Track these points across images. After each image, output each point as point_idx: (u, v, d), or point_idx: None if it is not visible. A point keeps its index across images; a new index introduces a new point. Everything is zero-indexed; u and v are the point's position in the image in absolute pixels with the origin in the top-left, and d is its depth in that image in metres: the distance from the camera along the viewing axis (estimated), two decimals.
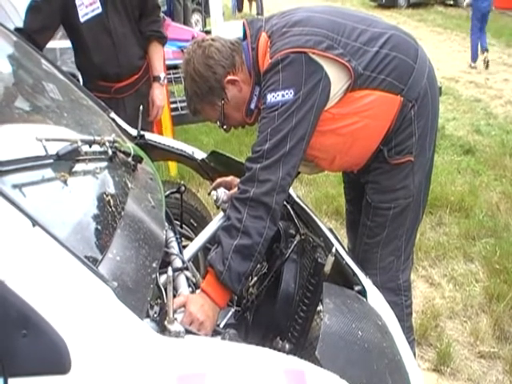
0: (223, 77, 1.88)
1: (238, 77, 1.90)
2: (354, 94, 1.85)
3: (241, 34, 1.98)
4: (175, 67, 4.96)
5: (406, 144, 1.96)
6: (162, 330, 1.32)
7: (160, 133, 4.10)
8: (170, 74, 4.74)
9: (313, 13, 1.93)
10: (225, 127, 2.03)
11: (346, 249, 2.15)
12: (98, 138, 1.71)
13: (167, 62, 4.25)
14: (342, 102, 1.85)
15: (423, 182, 2.08)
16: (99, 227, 1.47)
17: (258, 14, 15.73)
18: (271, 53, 1.81)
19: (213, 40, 1.92)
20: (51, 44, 3.17)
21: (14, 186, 1.31)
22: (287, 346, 1.58)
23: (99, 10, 3.01)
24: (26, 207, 1.18)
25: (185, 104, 2.07)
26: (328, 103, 1.83)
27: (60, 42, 4.43)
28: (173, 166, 4.57)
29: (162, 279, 1.64)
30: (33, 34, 2.88)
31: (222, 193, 2.00)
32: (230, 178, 2.10)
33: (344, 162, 2.05)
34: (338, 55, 1.80)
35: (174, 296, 1.59)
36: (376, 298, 1.81)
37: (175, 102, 4.96)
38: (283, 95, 1.74)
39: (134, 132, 2.42)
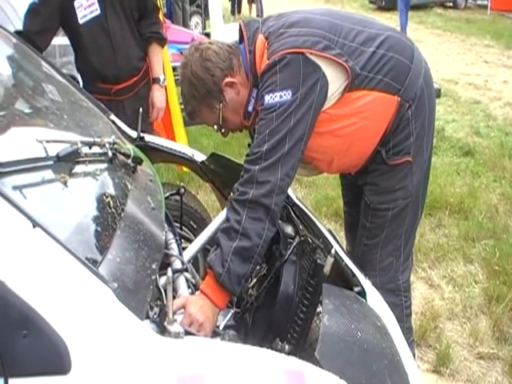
0: (221, 79, 1.88)
1: (236, 79, 1.90)
2: (352, 95, 1.86)
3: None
4: (174, 69, 4.96)
5: (403, 144, 1.97)
6: (162, 330, 1.32)
7: (171, 138, 4.02)
8: None
9: (310, 14, 1.94)
10: (223, 131, 2.02)
11: (345, 250, 2.15)
12: (97, 140, 1.71)
13: None
14: (339, 102, 1.86)
15: (421, 182, 2.09)
16: (99, 228, 1.47)
17: (257, 16, 15.76)
18: (268, 54, 1.81)
19: (210, 43, 1.93)
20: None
21: (15, 188, 1.31)
22: (287, 346, 1.58)
23: (98, 12, 3.02)
24: (27, 208, 1.18)
25: None
26: (326, 104, 1.83)
27: (59, 39, 4.41)
28: None
29: (162, 280, 1.64)
30: (32, 37, 2.88)
31: None
32: None
33: (342, 164, 2.06)
34: (335, 55, 1.80)
35: (174, 297, 1.59)
36: (375, 299, 1.82)
37: None
38: (281, 96, 1.75)
39: (133, 134, 2.43)
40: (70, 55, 3.97)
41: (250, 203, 1.68)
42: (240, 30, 1.95)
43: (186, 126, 4.68)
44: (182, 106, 4.68)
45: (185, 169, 4.38)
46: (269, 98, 1.76)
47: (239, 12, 17.34)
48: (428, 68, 2.04)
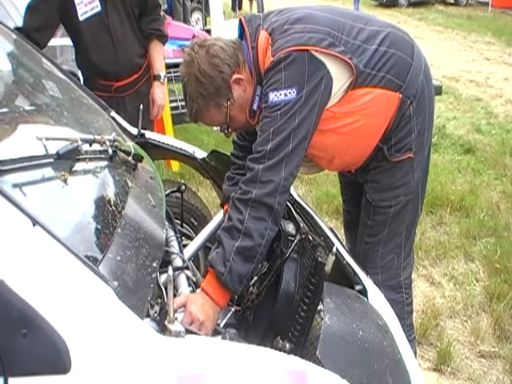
0: (229, 76, 1.83)
1: (243, 76, 1.86)
2: (355, 92, 1.85)
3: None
4: (176, 66, 4.95)
5: (405, 141, 1.96)
6: (163, 329, 1.32)
7: (161, 132, 4.07)
8: (170, 72, 4.73)
9: (312, 10, 1.92)
10: (228, 130, 1.97)
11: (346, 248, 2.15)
12: (98, 137, 1.71)
13: (168, 61, 4.23)
14: (343, 100, 1.85)
15: (422, 178, 2.09)
16: (99, 226, 1.47)
17: (258, 12, 15.69)
18: (273, 50, 1.79)
19: (215, 39, 1.88)
20: (51, 42, 3.16)
21: (15, 186, 1.31)
22: (288, 345, 1.58)
23: (98, 9, 3.00)
24: (27, 206, 1.18)
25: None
26: (329, 101, 1.82)
27: (60, 40, 4.43)
28: (175, 162, 4.46)
29: (163, 278, 1.64)
30: (32, 33, 2.87)
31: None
32: None
33: (343, 162, 2.05)
34: (340, 52, 1.79)
35: (175, 295, 1.58)
36: (376, 298, 1.81)
37: (176, 101, 4.94)
38: (286, 94, 1.73)
39: (134, 131, 2.42)
40: (69, 54, 3.98)
41: (253, 202, 1.67)
42: (241, 26, 1.92)
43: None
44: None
45: (174, 167, 4.39)
46: (273, 96, 1.74)
47: (240, 8, 17.28)
48: (427, 64, 2.03)
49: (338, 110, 1.85)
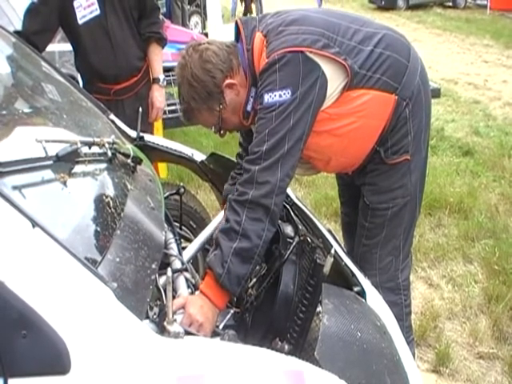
0: (222, 81, 1.85)
1: (236, 80, 1.87)
2: (351, 94, 1.85)
3: None
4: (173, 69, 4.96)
5: (402, 143, 1.97)
6: (162, 330, 1.33)
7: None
8: (169, 75, 4.74)
9: (307, 12, 1.94)
10: (221, 132, 1.99)
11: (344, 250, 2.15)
12: (97, 140, 1.71)
13: (166, 64, 4.23)
14: (338, 101, 1.86)
15: (419, 180, 2.09)
16: (99, 228, 1.47)
17: (257, 15, 15.58)
18: (268, 52, 1.80)
19: (209, 43, 1.89)
20: (50, 47, 3.16)
21: (14, 187, 1.31)
22: (286, 346, 1.58)
23: (97, 12, 3.01)
24: (26, 208, 1.18)
25: None
26: (325, 103, 1.83)
27: (59, 46, 4.44)
28: (162, 168, 4.45)
29: (162, 280, 1.64)
30: (31, 37, 2.87)
31: None
32: None
33: (340, 163, 2.05)
34: (334, 54, 1.80)
35: (174, 297, 1.59)
36: (375, 299, 1.82)
37: (174, 104, 4.95)
38: (280, 95, 1.74)
39: (133, 134, 2.43)
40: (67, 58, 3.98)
41: (250, 204, 1.68)
42: (237, 28, 1.93)
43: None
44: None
45: (162, 174, 4.36)
46: (268, 98, 1.75)
47: (250, 12, 17.06)
48: (424, 66, 2.04)
49: (333, 112, 1.86)
